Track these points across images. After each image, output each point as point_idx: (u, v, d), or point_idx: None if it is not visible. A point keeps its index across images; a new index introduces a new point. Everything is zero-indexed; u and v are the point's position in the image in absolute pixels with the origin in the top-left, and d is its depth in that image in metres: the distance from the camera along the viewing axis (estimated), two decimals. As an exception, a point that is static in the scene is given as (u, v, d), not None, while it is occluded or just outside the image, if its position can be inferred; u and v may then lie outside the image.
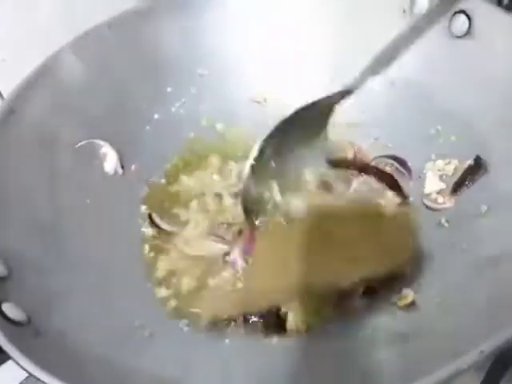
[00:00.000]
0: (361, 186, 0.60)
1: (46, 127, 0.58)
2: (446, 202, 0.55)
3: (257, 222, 0.56)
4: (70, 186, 0.58)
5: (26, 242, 0.50)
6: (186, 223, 0.60)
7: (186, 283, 0.55)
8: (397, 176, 0.60)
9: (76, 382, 0.39)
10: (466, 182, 0.54)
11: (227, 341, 0.50)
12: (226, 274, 0.55)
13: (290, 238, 0.55)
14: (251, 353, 0.49)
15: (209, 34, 0.68)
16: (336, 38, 0.66)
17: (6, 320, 0.42)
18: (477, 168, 0.53)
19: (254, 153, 0.53)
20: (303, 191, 0.57)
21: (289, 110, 0.67)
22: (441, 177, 0.57)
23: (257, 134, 0.66)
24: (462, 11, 0.56)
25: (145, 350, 0.48)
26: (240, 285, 0.54)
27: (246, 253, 0.55)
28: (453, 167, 0.56)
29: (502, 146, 0.52)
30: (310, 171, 0.58)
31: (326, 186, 0.59)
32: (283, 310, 0.51)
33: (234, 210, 0.59)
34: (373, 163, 0.62)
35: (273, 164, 0.54)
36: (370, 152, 0.63)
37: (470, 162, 0.54)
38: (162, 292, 0.55)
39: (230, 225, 0.58)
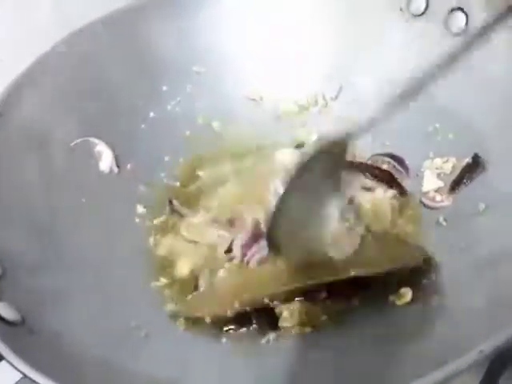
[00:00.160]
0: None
1: (40, 126, 0.58)
2: (444, 201, 0.55)
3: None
4: (66, 185, 0.58)
5: (20, 242, 0.50)
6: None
7: (183, 270, 0.56)
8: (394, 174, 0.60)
9: (70, 383, 0.39)
10: (464, 181, 0.54)
11: (224, 340, 0.50)
12: (226, 265, 0.55)
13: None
14: (248, 353, 0.49)
15: (204, 31, 0.68)
16: (333, 36, 0.66)
17: (0, 320, 0.41)
18: (475, 166, 0.53)
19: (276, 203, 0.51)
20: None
21: (284, 107, 0.69)
22: (439, 175, 0.57)
23: (253, 132, 0.67)
24: (460, 8, 0.56)
25: (141, 351, 0.48)
26: (235, 279, 0.54)
27: (247, 248, 0.55)
28: (451, 165, 0.56)
29: (500, 144, 0.52)
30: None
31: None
32: (277, 309, 0.51)
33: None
34: (369, 161, 0.62)
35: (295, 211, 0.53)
36: (367, 150, 0.63)
37: (468, 160, 0.54)
38: (160, 280, 0.55)
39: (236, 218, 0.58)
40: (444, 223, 0.53)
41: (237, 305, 0.51)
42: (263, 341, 0.49)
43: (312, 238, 0.52)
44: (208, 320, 0.51)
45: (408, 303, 0.48)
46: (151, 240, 0.59)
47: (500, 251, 0.47)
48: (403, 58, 0.62)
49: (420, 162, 0.59)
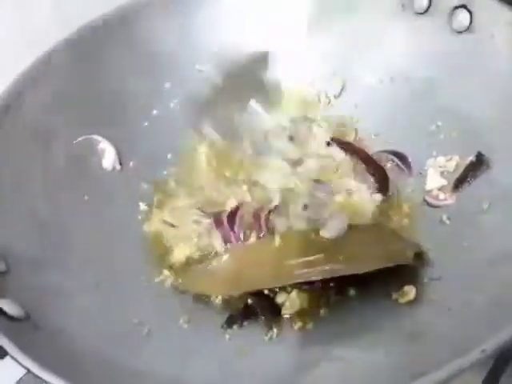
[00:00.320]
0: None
1: (43, 124, 0.58)
2: (448, 199, 0.55)
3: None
4: (68, 183, 0.58)
5: (24, 239, 0.50)
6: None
7: (180, 256, 0.57)
8: (397, 172, 0.60)
9: (74, 379, 0.39)
10: (468, 179, 0.54)
11: (227, 337, 0.50)
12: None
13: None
14: (251, 350, 0.49)
15: (206, 28, 0.68)
16: (334, 34, 0.66)
17: (4, 316, 0.42)
18: (478, 164, 0.53)
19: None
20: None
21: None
22: (442, 173, 0.56)
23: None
24: (463, 6, 0.56)
25: (143, 348, 0.48)
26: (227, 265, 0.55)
27: (226, 239, 0.56)
28: (454, 163, 0.56)
29: (503, 142, 0.52)
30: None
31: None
32: (279, 299, 0.52)
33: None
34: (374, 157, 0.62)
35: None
36: (371, 147, 0.63)
37: (471, 158, 0.54)
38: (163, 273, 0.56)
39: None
40: (447, 222, 0.53)
41: (230, 289, 0.53)
42: (266, 338, 0.50)
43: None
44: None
45: (411, 301, 0.48)
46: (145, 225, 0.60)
47: (504, 250, 0.46)
48: (406, 56, 0.62)
49: (423, 161, 0.58)
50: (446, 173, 0.56)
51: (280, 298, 0.52)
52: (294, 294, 0.52)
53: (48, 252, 0.51)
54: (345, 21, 0.65)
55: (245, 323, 0.51)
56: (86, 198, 0.58)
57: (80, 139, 0.61)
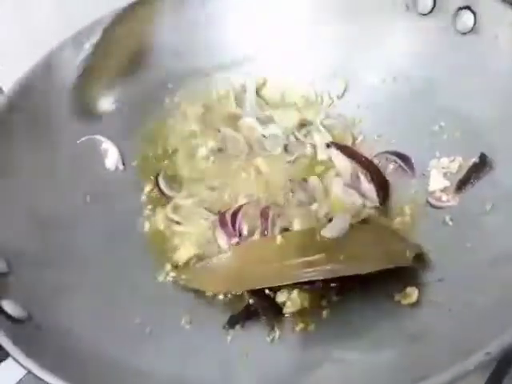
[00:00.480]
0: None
1: (46, 123, 0.58)
2: (451, 200, 0.55)
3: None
4: (71, 183, 0.58)
5: (26, 239, 0.50)
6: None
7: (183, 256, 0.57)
8: (400, 173, 0.60)
9: (75, 380, 0.39)
10: (471, 180, 0.53)
11: (229, 338, 0.50)
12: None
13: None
14: (253, 350, 0.49)
15: (209, 28, 0.68)
16: (338, 34, 0.65)
17: (6, 317, 0.42)
18: (482, 165, 0.53)
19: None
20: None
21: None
22: (445, 174, 0.56)
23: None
24: (467, 7, 0.55)
25: (145, 348, 0.48)
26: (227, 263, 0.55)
27: (229, 236, 0.56)
28: (457, 165, 0.56)
29: (507, 143, 0.52)
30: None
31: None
32: (279, 298, 0.52)
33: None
34: (375, 160, 0.62)
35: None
36: (373, 148, 0.63)
37: (474, 159, 0.54)
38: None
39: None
40: (450, 223, 0.53)
41: (238, 285, 0.53)
42: (268, 339, 0.49)
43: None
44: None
45: (413, 303, 0.48)
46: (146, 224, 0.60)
47: (506, 251, 0.46)
48: (410, 56, 0.62)
49: (426, 162, 0.58)
50: (449, 174, 0.56)
51: (281, 298, 0.52)
52: (295, 293, 0.52)
53: (50, 252, 0.51)
54: (348, 21, 0.65)
55: (247, 323, 0.51)
56: (88, 197, 0.58)
57: (83, 139, 0.61)
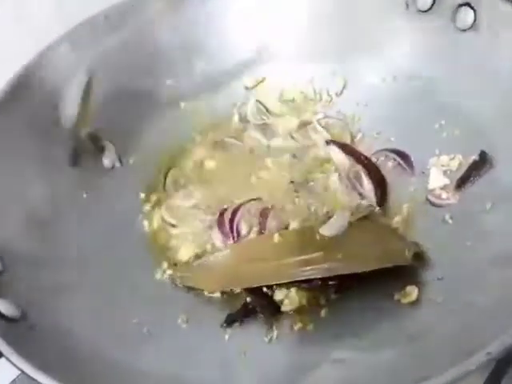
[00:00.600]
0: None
1: (43, 120, 0.58)
2: (450, 198, 0.54)
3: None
4: (68, 180, 0.57)
5: (21, 238, 0.50)
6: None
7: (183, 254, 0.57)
8: (399, 171, 0.59)
9: (70, 380, 0.39)
10: (471, 178, 0.53)
11: (226, 337, 0.50)
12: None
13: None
14: (251, 350, 0.48)
15: (208, 24, 0.67)
16: (338, 31, 0.65)
17: (0, 316, 0.41)
18: (482, 163, 0.53)
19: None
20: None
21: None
22: (445, 172, 0.56)
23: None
24: (467, 3, 0.55)
25: (143, 348, 0.48)
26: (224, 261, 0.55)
27: (225, 237, 0.56)
28: (457, 162, 0.55)
29: (507, 141, 0.52)
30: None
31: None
32: (277, 296, 0.52)
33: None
34: (374, 158, 0.61)
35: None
36: (372, 146, 0.62)
37: (474, 157, 0.53)
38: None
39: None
40: (450, 221, 0.53)
41: (234, 283, 0.53)
42: (266, 339, 0.49)
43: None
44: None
45: (413, 302, 0.48)
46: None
47: (507, 250, 0.46)
48: (409, 54, 0.61)
49: (426, 159, 0.58)
50: (448, 172, 0.56)
51: (278, 296, 0.52)
52: (293, 291, 0.51)
53: (46, 251, 0.51)
54: (348, 19, 0.64)
55: (244, 322, 0.51)
56: (85, 196, 0.58)
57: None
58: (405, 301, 0.48)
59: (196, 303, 0.53)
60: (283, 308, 0.51)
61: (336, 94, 0.67)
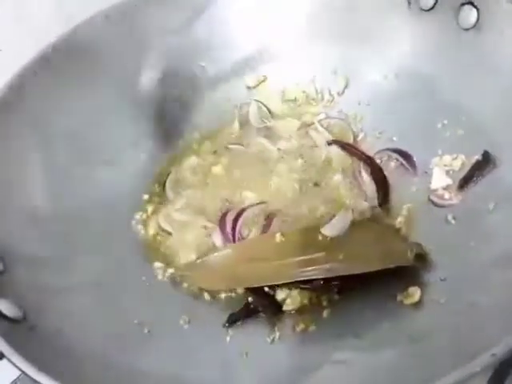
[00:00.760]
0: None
1: (44, 119, 0.57)
2: (453, 199, 0.54)
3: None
4: (69, 180, 0.57)
5: (22, 238, 0.50)
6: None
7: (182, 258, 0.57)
8: (401, 171, 0.59)
9: (70, 381, 0.38)
10: (474, 178, 0.53)
11: (228, 338, 0.50)
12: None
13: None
14: (253, 351, 0.48)
15: (208, 24, 0.67)
16: (339, 30, 0.65)
17: (1, 317, 0.41)
18: (485, 163, 0.52)
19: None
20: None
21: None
22: (447, 172, 0.56)
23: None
24: (470, 2, 0.55)
25: (144, 348, 0.47)
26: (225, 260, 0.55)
27: (226, 238, 0.56)
28: (460, 162, 0.55)
29: (510, 141, 0.51)
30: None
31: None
32: (279, 296, 0.52)
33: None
34: (377, 157, 0.61)
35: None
36: (374, 145, 0.62)
37: (477, 157, 0.53)
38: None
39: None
40: (453, 221, 0.52)
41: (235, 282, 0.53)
42: (268, 340, 0.49)
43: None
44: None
45: (416, 303, 0.47)
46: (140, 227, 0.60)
47: (510, 251, 0.46)
48: (412, 53, 0.61)
49: (428, 159, 0.57)
50: (451, 172, 0.56)
51: (280, 295, 0.52)
52: (295, 291, 0.51)
53: (46, 251, 0.50)
54: (349, 17, 0.64)
55: (246, 322, 0.51)
56: (85, 195, 0.58)
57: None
58: (407, 302, 0.48)
59: (197, 304, 0.53)
60: (285, 308, 0.51)
61: (338, 94, 0.67)
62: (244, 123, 0.68)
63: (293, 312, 0.51)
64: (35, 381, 0.37)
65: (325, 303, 0.51)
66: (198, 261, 0.56)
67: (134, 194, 0.62)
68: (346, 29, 0.65)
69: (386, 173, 0.60)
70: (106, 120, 0.62)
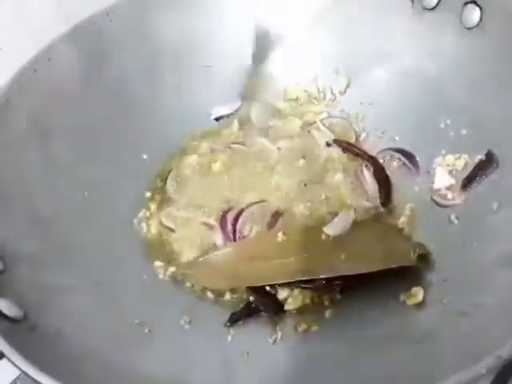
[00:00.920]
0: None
1: (43, 117, 0.57)
2: (456, 198, 0.54)
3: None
4: (68, 179, 0.57)
5: (22, 237, 0.49)
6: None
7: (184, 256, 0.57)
8: (404, 171, 0.59)
9: (70, 381, 0.38)
10: (477, 178, 0.52)
11: (229, 338, 0.49)
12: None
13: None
14: (253, 350, 0.48)
15: (210, 22, 0.67)
16: (341, 29, 0.65)
17: (1, 316, 0.41)
18: (488, 163, 0.52)
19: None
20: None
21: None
22: (450, 172, 0.55)
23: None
24: (473, 1, 0.54)
25: (144, 349, 0.47)
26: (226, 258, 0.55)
27: (226, 237, 0.56)
28: (463, 162, 0.55)
29: (514, 141, 0.51)
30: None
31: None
32: (280, 295, 0.51)
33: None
34: (379, 157, 0.61)
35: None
36: (377, 145, 0.62)
37: (481, 156, 0.53)
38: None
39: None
40: (456, 221, 0.52)
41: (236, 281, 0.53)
42: (270, 340, 0.49)
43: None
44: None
45: (419, 303, 0.47)
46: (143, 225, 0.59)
47: (514, 251, 0.45)
48: (414, 53, 0.61)
49: (431, 159, 0.57)
50: (454, 171, 0.55)
51: (282, 295, 0.51)
52: (297, 290, 0.51)
53: (47, 251, 0.50)
54: (352, 16, 0.64)
55: (248, 322, 0.50)
56: (86, 195, 0.57)
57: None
58: (410, 302, 0.47)
59: (198, 303, 0.53)
60: (287, 307, 0.51)
61: (340, 93, 0.67)
62: (244, 123, 0.68)
63: (295, 312, 0.51)
64: (35, 381, 0.37)
65: (327, 303, 0.51)
66: (200, 259, 0.55)
67: (135, 193, 0.61)
68: (348, 28, 0.64)
69: (388, 172, 0.60)
70: (106, 119, 0.62)
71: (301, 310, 0.51)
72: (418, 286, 0.48)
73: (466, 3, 0.55)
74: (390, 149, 0.61)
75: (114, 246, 0.55)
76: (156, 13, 0.65)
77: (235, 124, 0.68)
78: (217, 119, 0.68)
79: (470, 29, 0.56)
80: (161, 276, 0.55)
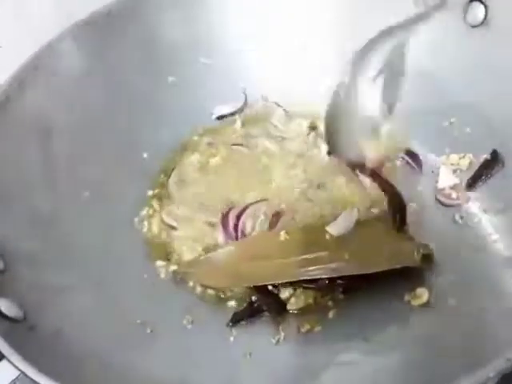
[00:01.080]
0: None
1: (44, 116, 0.57)
2: (460, 198, 0.53)
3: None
4: (69, 178, 0.56)
5: (23, 237, 0.49)
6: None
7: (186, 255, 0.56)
8: (407, 170, 0.59)
9: (70, 381, 0.38)
10: (482, 177, 0.52)
11: (232, 338, 0.49)
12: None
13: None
14: (256, 350, 0.48)
15: (212, 21, 0.67)
16: (343, 28, 0.64)
17: (1, 316, 0.41)
18: (493, 163, 0.52)
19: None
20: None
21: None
22: (455, 171, 0.55)
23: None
24: (478, -1, 0.54)
25: (146, 349, 0.47)
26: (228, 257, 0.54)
27: (228, 236, 0.56)
28: (468, 161, 0.55)
29: (520, 140, 0.51)
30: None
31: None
32: (283, 295, 0.51)
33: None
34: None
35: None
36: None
37: (486, 156, 0.53)
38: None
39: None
40: (460, 221, 0.52)
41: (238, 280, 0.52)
42: (273, 341, 0.48)
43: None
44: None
45: (424, 304, 0.47)
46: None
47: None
48: (418, 51, 0.60)
49: (435, 158, 0.57)
50: (458, 171, 0.55)
51: (284, 294, 0.51)
52: (299, 290, 0.51)
53: (47, 251, 0.50)
54: (356, 15, 0.63)
55: (250, 322, 0.50)
56: (86, 194, 0.57)
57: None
58: (415, 303, 0.47)
59: (201, 303, 0.52)
60: (289, 307, 0.50)
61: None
62: (246, 122, 0.68)
63: (297, 312, 0.50)
64: (34, 381, 0.37)
65: (330, 303, 0.50)
66: (201, 258, 0.55)
67: (136, 192, 0.61)
68: (351, 27, 0.64)
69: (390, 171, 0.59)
70: (106, 118, 0.62)
71: (304, 311, 0.50)
72: (423, 286, 0.48)
73: (470, 1, 0.55)
74: (393, 148, 0.60)
75: (115, 246, 0.54)
76: (157, 11, 0.65)
77: (238, 123, 0.67)
78: (219, 118, 0.68)
79: (474, 26, 0.55)
80: (162, 275, 0.54)
